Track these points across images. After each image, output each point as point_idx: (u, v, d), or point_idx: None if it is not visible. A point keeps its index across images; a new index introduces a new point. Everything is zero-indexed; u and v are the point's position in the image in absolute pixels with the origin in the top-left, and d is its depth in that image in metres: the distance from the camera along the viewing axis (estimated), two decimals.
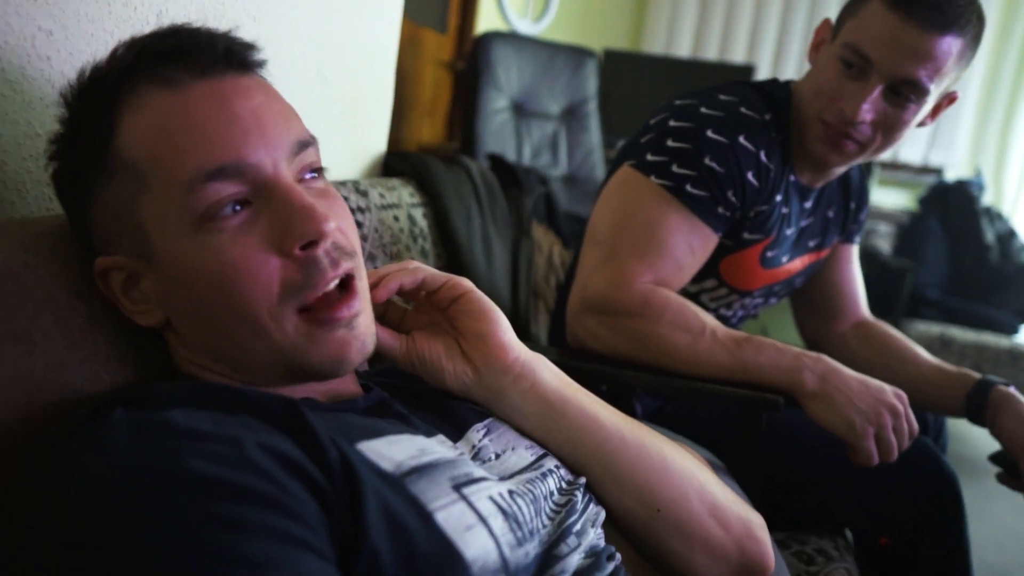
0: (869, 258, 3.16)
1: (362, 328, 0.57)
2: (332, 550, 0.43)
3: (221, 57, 0.55)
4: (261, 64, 0.59)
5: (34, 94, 0.69)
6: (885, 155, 3.59)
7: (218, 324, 0.54)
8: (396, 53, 1.41)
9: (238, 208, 0.52)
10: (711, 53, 3.56)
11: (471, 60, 2.18)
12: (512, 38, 2.30)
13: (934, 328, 2.79)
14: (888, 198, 3.46)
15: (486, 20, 2.75)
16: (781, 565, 0.83)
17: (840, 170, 1.15)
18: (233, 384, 0.56)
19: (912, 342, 1.26)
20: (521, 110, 2.30)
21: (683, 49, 3.58)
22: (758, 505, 0.72)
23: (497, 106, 2.21)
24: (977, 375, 1.13)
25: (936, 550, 1.05)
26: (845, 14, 1.03)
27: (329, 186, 0.59)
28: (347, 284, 0.56)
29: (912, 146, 3.45)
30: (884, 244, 3.21)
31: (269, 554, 0.39)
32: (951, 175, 3.41)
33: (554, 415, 0.64)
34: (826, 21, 1.06)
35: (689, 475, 0.67)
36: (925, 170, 3.47)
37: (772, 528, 0.74)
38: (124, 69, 0.54)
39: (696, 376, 0.99)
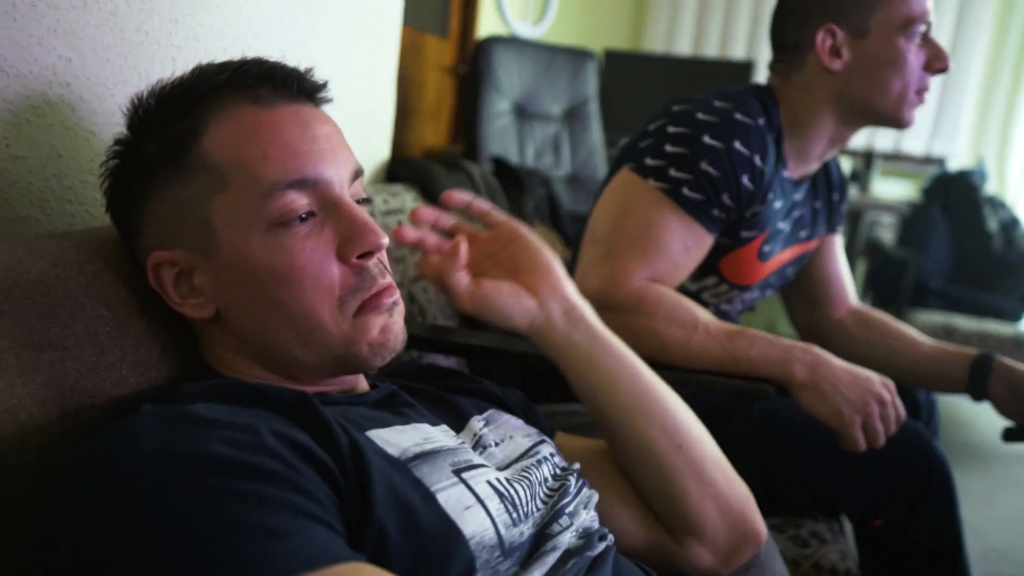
0: (873, 249, 3.19)
1: (398, 319, 0.64)
2: (342, 525, 0.47)
3: (304, 89, 0.63)
4: (329, 101, 0.67)
5: (56, 118, 0.74)
6: (887, 146, 3.60)
7: (276, 319, 0.60)
8: (397, 62, 1.45)
9: (304, 217, 0.59)
10: (711, 50, 3.59)
11: (472, 65, 2.23)
12: (512, 42, 2.34)
13: (937, 317, 2.82)
14: (891, 189, 3.48)
15: (487, 24, 2.79)
16: (774, 548, 0.87)
17: (817, 164, 1.22)
18: (255, 380, 0.61)
19: (909, 327, 1.30)
20: (523, 112, 2.35)
21: (683, 47, 3.61)
22: (755, 491, 0.77)
23: (499, 109, 2.25)
24: (976, 350, 1.19)
25: (928, 529, 1.08)
26: (862, 7, 1.09)
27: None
28: (388, 285, 0.63)
29: (914, 137, 3.47)
30: (887, 235, 3.23)
31: (283, 524, 0.43)
32: (953, 165, 3.42)
33: (598, 346, 0.74)
34: (830, 27, 1.10)
35: (702, 428, 0.77)
36: (928, 160, 3.49)
37: (769, 513, 0.79)
38: (217, 84, 0.60)
39: (691, 369, 1.03)
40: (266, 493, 0.44)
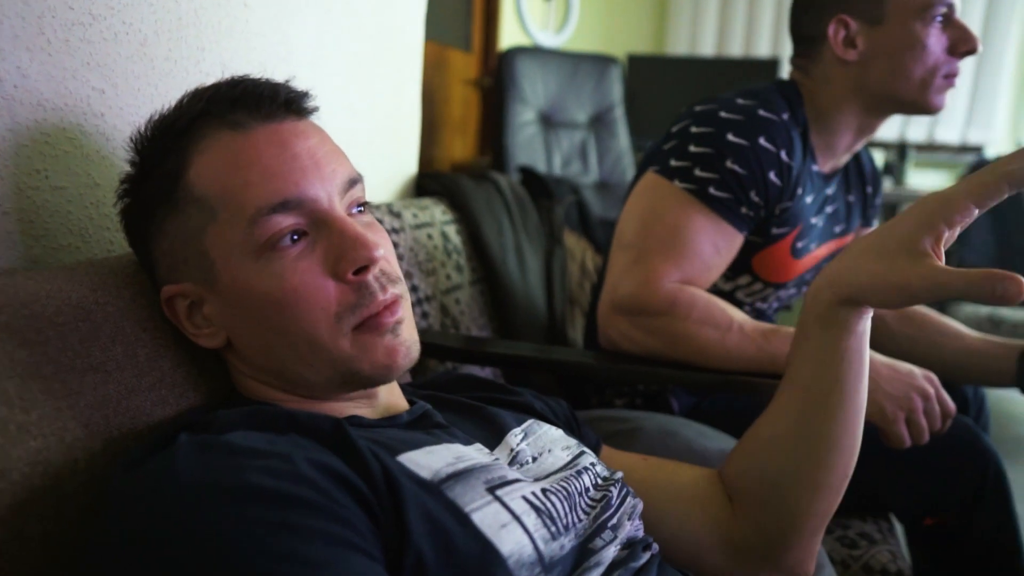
0: None
1: (405, 335, 0.62)
2: (380, 553, 0.47)
3: (282, 104, 0.61)
4: (315, 110, 0.65)
5: (91, 148, 0.76)
6: (921, 136, 3.53)
7: (279, 343, 0.60)
8: (421, 78, 1.47)
9: (296, 238, 0.58)
10: (735, 49, 3.56)
11: (496, 77, 2.24)
12: (535, 52, 2.35)
13: (982, 309, 2.74)
14: (926, 180, 3.40)
15: (509, 35, 2.80)
16: (821, 551, 0.85)
17: (847, 156, 1.20)
18: (286, 404, 0.62)
19: (952, 320, 1.27)
20: (549, 121, 2.35)
21: (707, 48, 3.59)
22: None
23: (525, 119, 2.26)
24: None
25: (983, 528, 1.05)
26: None
27: (374, 219, 0.65)
28: (391, 302, 0.61)
29: (948, 126, 3.39)
30: None
31: (321, 554, 0.43)
32: (992, 152, 3.35)
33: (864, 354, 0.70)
34: (842, 17, 1.09)
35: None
36: (964, 149, 3.41)
37: None
38: (195, 114, 0.60)
39: (727, 370, 1.02)
40: (304, 523, 0.44)
